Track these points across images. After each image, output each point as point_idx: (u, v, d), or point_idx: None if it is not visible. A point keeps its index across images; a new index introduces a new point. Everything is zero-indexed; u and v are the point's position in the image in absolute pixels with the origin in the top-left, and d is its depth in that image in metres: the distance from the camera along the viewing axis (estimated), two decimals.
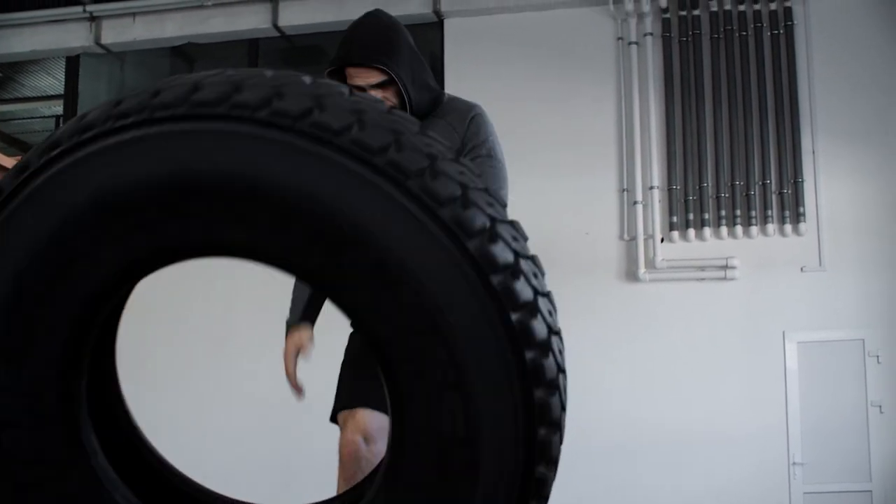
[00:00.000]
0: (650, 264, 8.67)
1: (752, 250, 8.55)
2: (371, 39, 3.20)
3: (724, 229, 8.59)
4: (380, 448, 3.15)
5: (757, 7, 8.85)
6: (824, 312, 8.39)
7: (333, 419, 3.37)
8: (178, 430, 9.04)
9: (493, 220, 1.46)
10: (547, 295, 1.58)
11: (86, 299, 1.50)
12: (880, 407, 8.18)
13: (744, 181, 8.62)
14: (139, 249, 1.48)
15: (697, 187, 8.69)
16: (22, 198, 1.49)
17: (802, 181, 8.54)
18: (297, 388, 3.30)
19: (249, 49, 10.01)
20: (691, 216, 8.67)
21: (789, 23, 8.77)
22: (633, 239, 8.73)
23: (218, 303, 9.27)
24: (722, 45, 8.87)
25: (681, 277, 8.62)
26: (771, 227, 8.52)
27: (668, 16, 8.99)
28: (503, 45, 9.15)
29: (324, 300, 3.38)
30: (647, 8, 8.93)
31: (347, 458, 3.20)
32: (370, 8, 3.40)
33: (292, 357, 3.29)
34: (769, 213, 8.54)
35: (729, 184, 8.65)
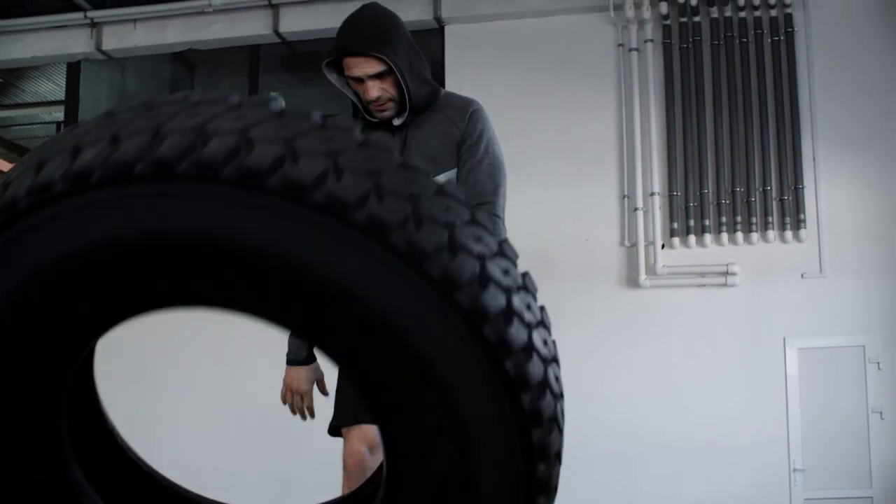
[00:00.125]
0: (651, 271, 8.67)
1: (753, 257, 8.55)
2: (369, 29, 3.19)
3: (724, 236, 8.60)
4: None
5: (757, 14, 8.86)
6: (825, 319, 8.39)
7: (333, 432, 3.36)
8: (178, 433, 9.04)
9: (482, 261, 1.37)
10: (541, 322, 1.51)
11: (60, 349, 1.46)
12: (881, 413, 8.18)
13: (744, 187, 8.62)
14: (112, 305, 1.43)
15: (698, 193, 8.69)
16: None
17: (803, 188, 8.54)
18: (305, 416, 3.34)
19: (250, 55, 10.02)
20: (692, 222, 8.67)
21: (790, 29, 8.78)
22: (634, 245, 8.73)
23: (219, 318, 9.26)
24: (722, 51, 8.88)
25: (681, 284, 8.62)
26: (771, 233, 8.52)
27: (668, 22, 8.99)
28: (504, 51, 9.16)
29: None
30: (647, 14, 8.94)
31: (353, 467, 3.18)
32: None
33: (309, 393, 3.33)
34: (770, 219, 8.54)
35: (729, 190, 8.66)
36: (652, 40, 9.01)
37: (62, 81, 10.90)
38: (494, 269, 1.39)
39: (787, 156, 8.60)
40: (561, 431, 1.50)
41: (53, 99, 11.86)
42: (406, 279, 1.32)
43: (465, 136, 3.32)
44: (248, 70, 10.06)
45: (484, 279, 1.36)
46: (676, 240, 8.69)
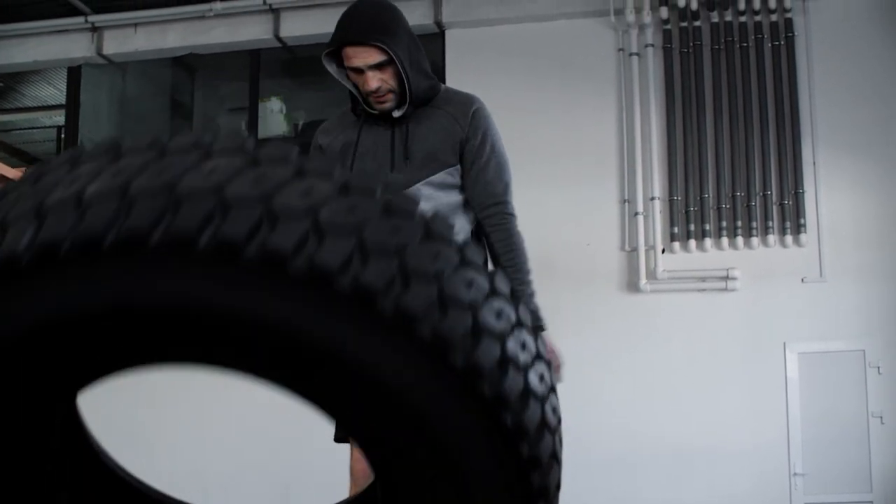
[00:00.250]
0: (651, 275, 8.67)
1: (753, 261, 8.55)
2: (368, 20, 3.16)
3: (724, 240, 8.60)
4: None
5: (758, 18, 8.86)
6: (825, 323, 8.39)
7: (339, 440, 3.32)
8: (178, 436, 9.04)
9: (474, 313, 1.28)
10: (537, 356, 1.45)
11: (44, 405, 1.39)
12: (881, 417, 8.18)
13: (745, 192, 8.62)
14: (91, 368, 1.34)
15: (698, 198, 8.70)
16: None
17: (803, 192, 8.54)
18: None
19: (251, 59, 10.03)
20: (692, 227, 8.67)
21: (790, 34, 8.78)
22: (634, 250, 8.73)
23: None
24: (723, 56, 8.88)
25: (682, 288, 8.62)
26: (772, 237, 8.53)
27: (669, 27, 9.00)
28: (504, 55, 9.17)
29: None
30: (648, 19, 8.94)
31: (360, 473, 3.16)
32: None
33: None
34: (770, 224, 8.54)
35: (730, 195, 8.66)
36: (652, 45, 9.02)
37: (63, 86, 10.90)
38: (488, 316, 1.31)
39: (788, 160, 8.60)
40: (560, 462, 1.49)
41: (54, 103, 11.87)
42: (396, 344, 1.25)
43: (468, 136, 3.30)
44: (249, 74, 10.07)
45: (476, 334, 1.28)
46: (677, 244, 8.69)
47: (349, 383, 1.28)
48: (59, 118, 11.28)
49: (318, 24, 9.32)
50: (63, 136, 10.57)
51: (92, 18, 9.98)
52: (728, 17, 8.89)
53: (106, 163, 1.25)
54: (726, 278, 8.53)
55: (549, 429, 1.43)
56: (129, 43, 10.09)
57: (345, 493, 3.26)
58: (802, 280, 8.46)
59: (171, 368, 1.32)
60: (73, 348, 1.25)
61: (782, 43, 8.79)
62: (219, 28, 9.85)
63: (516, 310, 1.39)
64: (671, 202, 8.77)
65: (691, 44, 8.94)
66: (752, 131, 8.70)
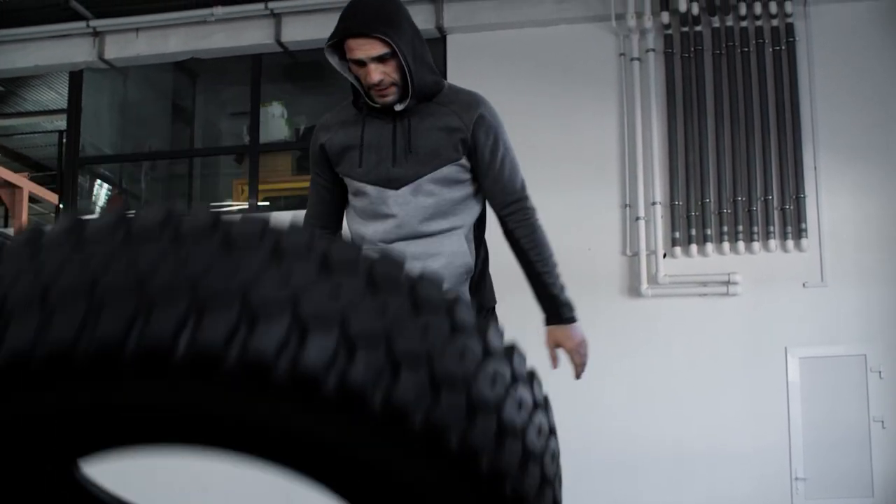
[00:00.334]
0: (652, 280, 8.68)
1: (755, 266, 8.56)
2: (372, 11, 3.13)
3: (726, 245, 8.60)
4: None
5: (759, 23, 8.87)
6: (826, 328, 8.40)
7: None
8: None
9: (469, 389, 1.16)
10: (536, 405, 1.35)
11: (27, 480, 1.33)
12: (882, 422, 8.18)
13: (746, 197, 8.63)
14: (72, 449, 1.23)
15: (699, 203, 8.70)
16: None
17: (804, 197, 8.55)
18: None
19: (252, 64, 10.04)
20: (693, 232, 8.67)
21: (791, 39, 8.79)
22: (636, 254, 8.73)
23: None
24: (724, 61, 8.89)
25: (683, 293, 8.63)
26: (773, 242, 8.53)
27: (670, 32, 9.01)
28: (505, 60, 9.18)
29: None
30: (649, 24, 8.95)
31: None
32: None
33: None
34: (771, 228, 8.55)
35: (731, 199, 8.67)
36: (653, 50, 9.03)
37: (64, 90, 10.92)
38: (483, 387, 1.19)
39: (789, 165, 8.61)
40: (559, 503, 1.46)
41: (55, 108, 11.89)
42: (393, 437, 1.14)
43: (476, 142, 3.29)
44: (250, 79, 10.08)
45: (472, 409, 1.17)
46: (678, 249, 8.69)
47: (355, 475, 1.18)
48: (60, 123, 11.31)
49: (320, 29, 9.32)
50: (65, 140, 10.58)
51: (94, 23, 9.99)
52: (729, 22, 8.90)
53: (70, 250, 1.11)
54: (728, 283, 8.54)
55: (549, 482, 1.39)
56: (130, 47, 10.09)
57: None
58: (804, 285, 8.46)
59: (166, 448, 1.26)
60: (48, 435, 1.16)
61: (783, 48, 8.80)
62: (220, 33, 9.86)
63: (510, 363, 1.27)
64: (672, 207, 8.77)
65: (692, 48, 8.95)
66: (754, 136, 8.71)
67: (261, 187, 9.98)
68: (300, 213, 3.43)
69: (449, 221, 3.24)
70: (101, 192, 10.94)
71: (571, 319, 3.39)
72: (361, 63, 3.15)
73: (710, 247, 8.62)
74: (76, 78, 10.42)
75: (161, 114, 11.49)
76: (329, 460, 1.16)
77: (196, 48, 9.98)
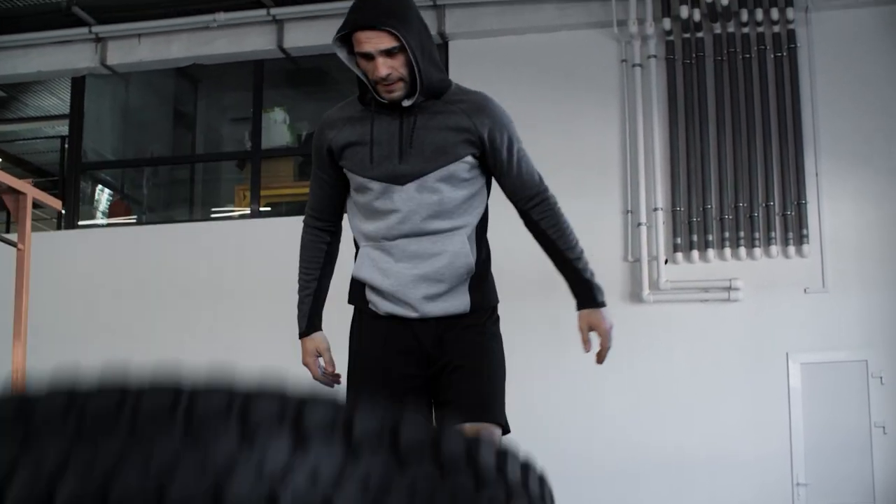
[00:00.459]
0: (654, 286, 8.68)
1: (756, 272, 8.56)
2: (382, 5, 3.13)
3: (727, 251, 8.60)
4: None
5: (760, 30, 8.88)
6: (827, 334, 8.40)
7: None
8: None
9: None
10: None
11: None
12: (884, 428, 8.18)
13: (747, 203, 8.63)
14: None
15: (701, 209, 8.71)
16: None
17: (806, 203, 8.56)
18: (331, 382, 3.32)
19: (254, 70, 10.05)
20: (695, 238, 8.68)
21: (792, 45, 8.80)
22: (637, 260, 8.74)
23: (223, 327, 9.28)
24: (725, 67, 8.90)
25: (685, 299, 8.63)
26: (774, 248, 8.53)
27: (671, 38, 9.02)
28: (507, 66, 9.18)
29: (323, 305, 3.39)
30: (650, 30, 8.96)
31: None
32: None
33: (313, 363, 3.30)
34: (772, 234, 8.55)
35: (732, 205, 8.67)
36: (655, 56, 9.04)
37: (65, 96, 10.93)
38: None
39: (790, 171, 8.61)
40: None
41: (57, 113, 11.89)
42: None
43: (492, 143, 3.28)
44: (252, 85, 10.09)
45: None
46: (679, 255, 8.70)
47: None
48: (62, 128, 11.31)
49: (322, 35, 9.33)
50: (67, 146, 10.59)
51: (96, 29, 10.00)
52: (731, 29, 8.91)
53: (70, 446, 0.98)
54: (729, 289, 8.54)
55: None
56: (132, 53, 10.11)
57: None
58: (805, 290, 8.47)
59: None
60: None
61: (785, 54, 8.81)
62: (222, 39, 9.87)
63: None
64: (674, 213, 8.78)
65: (694, 55, 8.96)
66: (755, 142, 8.71)
67: (262, 193, 9.99)
68: (301, 219, 3.44)
69: (452, 221, 3.24)
70: (103, 197, 10.97)
71: (604, 303, 3.45)
72: (369, 57, 3.14)
73: (711, 253, 8.63)
74: (78, 83, 10.43)
75: (163, 119, 11.51)
76: None
77: (198, 54, 9.99)
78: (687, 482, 8.34)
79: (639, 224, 8.77)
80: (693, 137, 8.85)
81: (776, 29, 8.83)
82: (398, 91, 3.17)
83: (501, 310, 3.34)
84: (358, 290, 3.28)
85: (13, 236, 5.62)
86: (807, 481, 8.19)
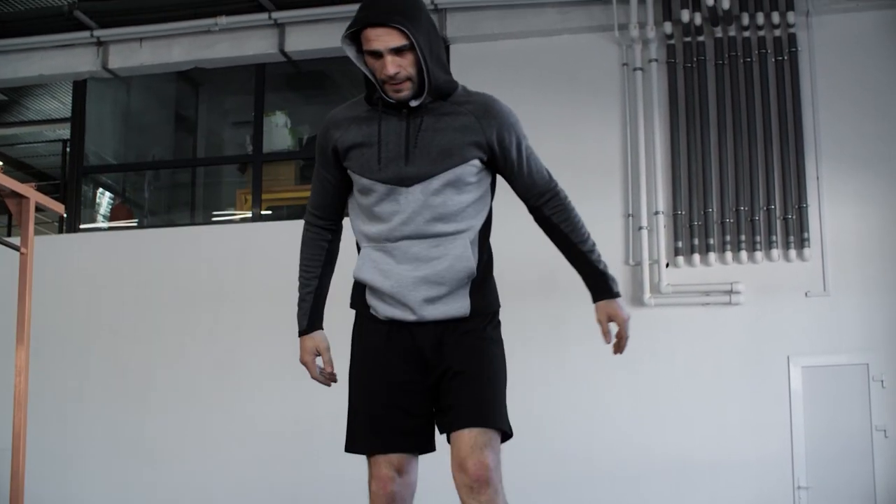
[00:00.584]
0: (655, 289, 8.68)
1: (757, 275, 8.56)
2: (392, 3, 3.12)
3: (728, 254, 8.60)
4: (411, 479, 3.10)
5: (761, 33, 8.88)
6: (829, 337, 8.40)
7: (349, 450, 3.26)
8: (185, 452, 9.04)
9: None
10: None
11: None
12: (885, 431, 8.18)
13: (748, 206, 8.64)
14: None
15: (702, 213, 8.71)
16: None
17: (807, 206, 8.56)
18: (328, 382, 3.31)
19: (256, 74, 10.05)
20: (696, 241, 8.68)
21: (793, 49, 8.80)
22: (639, 264, 8.74)
23: (224, 331, 9.28)
24: (726, 71, 8.91)
25: (686, 302, 8.63)
26: (775, 252, 8.53)
27: (672, 42, 9.02)
28: (509, 70, 9.19)
29: (323, 304, 3.38)
30: (651, 34, 8.96)
31: (380, 491, 3.12)
32: None
33: (311, 362, 3.29)
34: (774, 238, 8.55)
35: (734, 209, 8.67)
36: (656, 60, 9.04)
37: (67, 99, 10.94)
38: None
39: (791, 175, 8.62)
40: None
41: (58, 117, 11.91)
42: None
43: (501, 145, 3.26)
44: (254, 89, 10.09)
45: None
46: (681, 258, 8.70)
47: None
48: (63, 132, 11.33)
49: (324, 39, 9.35)
50: (68, 149, 10.60)
51: (97, 33, 10.01)
52: (732, 33, 8.91)
53: None
54: (730, 292, 8.54)
55: None
56: (134, 57, 10.12)
57: None
58: (806, 294, 8.47)
59: None
60: None
61: (785, 58, 8.81)
62: (224, 42, 9.88)
63: None
64: (675, 216, 8.78)
65: (695, 59, 8.97)
66: (756, 146, 8.72)
67: (264, 196, 9.99)
68: (302, 223, 3.43)
69: (455, 224, 3.22)
70: (105, 200, 10.98)
71: (619, 294, 3.42)
72: (378, 55, 3.13)
73: (712, 256, 8.63)
74: (80, 87, 10.44)
75: (164, 123, 11.52)
76: None
77: (199, 58, 10.00)
78: (688, 485, 8.33)
79: (640, 228, 8.77)
80: (694, 141, 8.85)
81: (777, 33, 8.84)
82: (406, 90, 3.16)
83: (502, 312, 3.33)
84: (359, 293, 3.27)
85: (16, 240, 5.62)
86: (808, 485, 8.19)
